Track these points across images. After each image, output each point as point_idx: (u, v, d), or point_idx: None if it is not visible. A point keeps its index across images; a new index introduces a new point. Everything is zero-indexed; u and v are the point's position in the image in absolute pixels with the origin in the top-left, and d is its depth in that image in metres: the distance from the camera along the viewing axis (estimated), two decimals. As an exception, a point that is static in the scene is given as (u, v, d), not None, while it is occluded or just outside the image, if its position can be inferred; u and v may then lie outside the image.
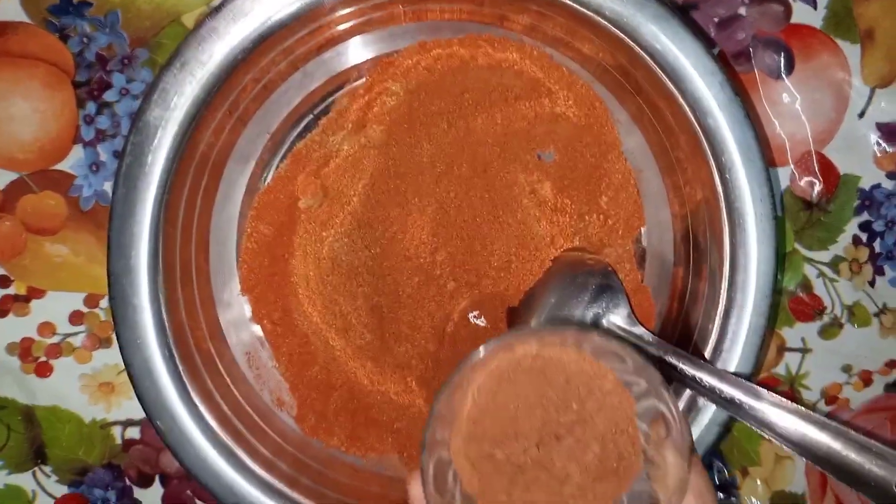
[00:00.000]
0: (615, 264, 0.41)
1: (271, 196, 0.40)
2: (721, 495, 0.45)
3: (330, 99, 0.40)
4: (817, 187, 0.44)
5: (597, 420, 0.26)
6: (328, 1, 0.34)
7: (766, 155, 0.42)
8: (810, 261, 0.45)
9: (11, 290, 0.42)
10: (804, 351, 0.45)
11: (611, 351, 0.26)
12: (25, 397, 0.42)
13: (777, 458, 0.45)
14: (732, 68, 0.43)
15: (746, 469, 0.45)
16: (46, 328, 0.42)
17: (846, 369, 0.45)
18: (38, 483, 0.43)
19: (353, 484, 0.38)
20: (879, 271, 0.45)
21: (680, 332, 0.38)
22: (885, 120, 0.44)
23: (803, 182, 0.44)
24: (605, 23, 0.34)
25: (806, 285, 0.45)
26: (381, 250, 0.40)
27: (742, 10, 0.43)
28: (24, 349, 0.42)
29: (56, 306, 0.42)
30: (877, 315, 0.45)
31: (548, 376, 0.26)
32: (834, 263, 0.45)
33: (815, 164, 0.44)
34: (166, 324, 0.34)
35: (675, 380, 0.33)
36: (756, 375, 0.44)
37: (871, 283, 0.45)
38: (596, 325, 0.37)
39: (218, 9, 0.33)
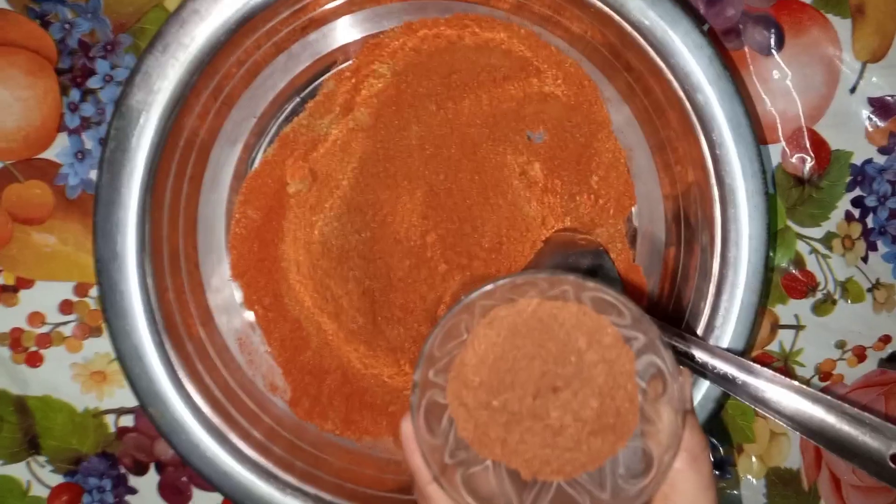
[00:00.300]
0: (606, 244, 0.41)
1: (259, 181, 0.39)
2: (716, 472, 0.46)
3: (316, 82, 0.40)
4: (809, 163, 0.44)
5: (595, 374, 0.26)
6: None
7: (758, 132, 0.41)
8: (803, 237, 0.44)
9: (0, 281, 0.42)
10: (798, 328, 0.45)
11: (609, 302, 0.26)
12: (17, 387, 0.42)
13: (772, 434, 0.45)
14: (722, 45, 0.43)
15: (741, 446, 0.45)
16: (36, 318, 0.42)
17: (840, 345, 0.45)
18: (33, 473, 0.43)
19: (347, 467, 0.38)
20: (872, 247, 0.45)
21: (672, 310, 0.38)
22: (877, 94, 0.44)
23: (795, 159, 0.44)
24: (593, -1, 0.34)
25: (799, 262, 0.45)
26: (372, 234, 0.39)
27: (732, -14, 0.43)
28: (14, 339, 0.42)
29: (45, 296, 0.42)
30: (870, 290, 0.45)
31: (547, 328, 0.26)
32: (826, 240, 0.45)
33: (807, 141, 0.44)
34: (155, 310, 0.34)
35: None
36: (749, 352, 0.44)
37: (864, 259, 0.45)
38: (594, 273, 0.37)
39: (200, -10, 0.32)
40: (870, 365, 0.46)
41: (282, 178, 0.39)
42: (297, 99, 0.40)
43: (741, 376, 0.30)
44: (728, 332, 0.35)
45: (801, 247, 0.45)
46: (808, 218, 0.44)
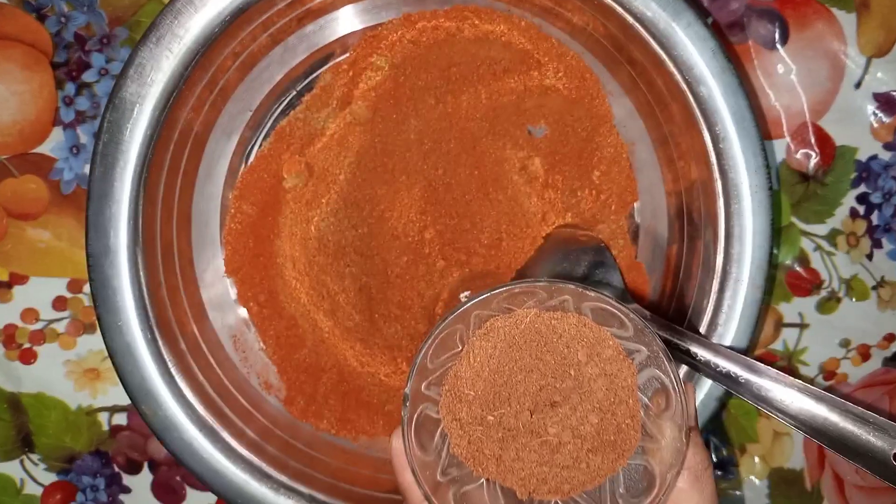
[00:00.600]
0: (608, 240, 0.40)
1: (255, 175, 0.39)
2: (719, 473, 0.45)
3: (313, 74, 0.39)
4: (813, 159, 0.43)
5: (595, 388, 0.25)
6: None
7: (762, 127, 0.41)
8: (807, 234, 0.44)
9: (-7, 277, 0.41)
10: (802, 326, 0.45)
11: (610, 313, 0.25)
12: (11, 385, 0.42)
13: (775, 434, 0.45)
14: (726, 39, 0.42)
15: (744, 446, 0.45)
16: (30, 314, 0.42)
17: (844, 344, 0.45)
18: (26, 471, 0.42)
19: (342, 467, 0.37)
20: (877, 244, 0.44)
21: (675, 308, 0.38)
22: (882, 90, 0.43)
23: (799, 154, 0.43)
24: (594, -11, 0.33)
25: (803, 259, 0.44)
26: (369, 229, 0.39)
27: (735, -21, 0.42)
28: (7, 336, 0.41)
29: (39, 292, 0.41)
30: (875, 288, 0.44)
31: (546, 340, 0.25)
32: (831, 236, 0.44)
33: (812, 136, 0.43)
34: (148, 306, 0.33)
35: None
36: (753, 351, 0.44)
37: (869, 257, 0.44)
38: (596, 282, 0.37)
39: (193, -20, 0.32)
40: (874, 363, 0.45)
41: (278, 172, 0.39)
42: (294, 92, 0.39)
43: (744, 375, 0.29)
44: (731, 329, 0.35)
45: (806, 244, 0.44)
46: (812, 214, 0.44)
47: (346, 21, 0.39)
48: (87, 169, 0.41)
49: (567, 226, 0.40)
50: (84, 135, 0.41)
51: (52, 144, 0.41)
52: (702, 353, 0.30)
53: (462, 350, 0.25)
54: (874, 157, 0.44)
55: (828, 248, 0.44)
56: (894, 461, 0.26)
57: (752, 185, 0.34)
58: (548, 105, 0.39)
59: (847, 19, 0.43)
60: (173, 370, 0.34)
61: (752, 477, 0.45)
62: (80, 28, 0.40)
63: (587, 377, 0.25)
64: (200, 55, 0.33)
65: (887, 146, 0.44)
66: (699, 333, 0.35)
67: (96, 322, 0.41)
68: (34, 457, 0.42)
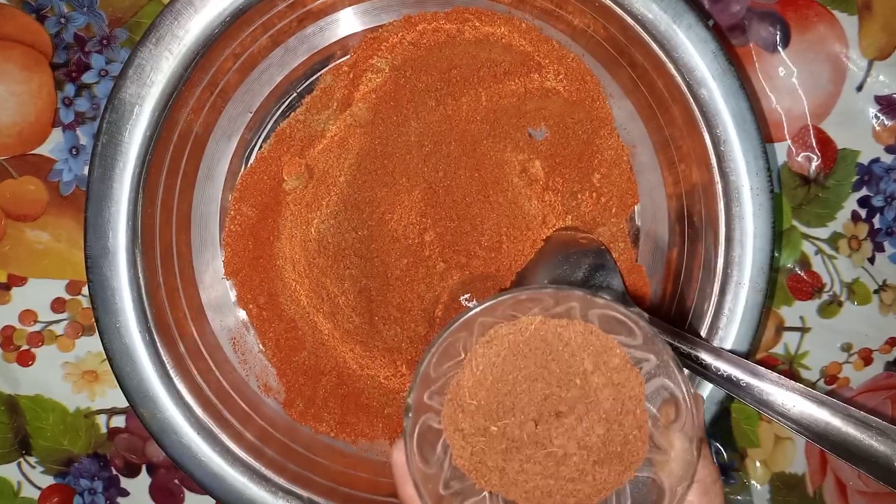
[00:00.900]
0: (608, 243, 0.40)
1: (254, 177, 0.39)
2: (720, 478, 0.45)
3: (314, 76, 0.39)
4: (815, 162, 0.43)
5: (602, 398, 0.24)
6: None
7: (763, 130, 0.41)
8: (808, 238, 0.44)
9: (-8, 278, 0.41)
10: (803, 330, 0.44)
11: (618, 321, 0.24)
12: (8, 387, 0.42)
13: (776, 439, 0.45)
14: (728, 41, 0.42)
15: (745, 451, 0.45)
16: (28, 316, 0.41)
17: (846, 348, 0.45)
18: (24, 474, 0.42)
19: (342, 470, 0.37)
20: (879, 248, 0.44)
21: (675, 311, 0.38)
22: (884, 92, 0.43)
23: (801, 157, 0.43)
24: (595, -9, 0.33)
25: (804, 263, 0.44)
26: (369, 232, 0.39)
27: (736, -18, 0.42)
28: (5, 338, 0.41)
29: (37, 293, 0.41)
30: (877, 292, 0.44)
31: (551, 348, 0.24)
32: (833, 240, 0.44)
33: (813, 139, 0.43)
34: (147, 308, 0.33)
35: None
36: (754, 354, 0.43)
37: (871, 260, 0.44)
38: (603, 288, 0.36)
39: (194, -19, 0.32)
40: (876, 368, 0.45)
41: (278, 174, 0.39)
42: (294, 94, 0.39)
43: (746, 378, 0.29)
44: (732, 333, 0.34)
45: (807, 247, 0.44)
46: (813, 218, 0.44)
47: (346, 23, 0.39)
48: (86, 170, 0.41)
49: (567, 228, 0.40)
50: (83, 136, 0.41)
51: (52, 145, 0.41)
52: (703, 356, 0.30)
53: (464, 358, 0.25)
54: (876, 161, 0.43)
55: (829, 251, 0.44)
56: (897, 466, 0.26)
57: (754, 188, 0.34)
58: (548, 107, 0.39)
59: (849, 22, 0.42)
60: (172, 372, 0.33)
61: (754, 482, 0.45)
62: (80, 29, 0.40)
63: (593, 386, 0.24)
64: (200, 56, 0.33)
65: (889, 149, 0.44)
66: (700, 337, 0.35)
67: (95, 324, 0.41)
68: (31, 459, 0.42)
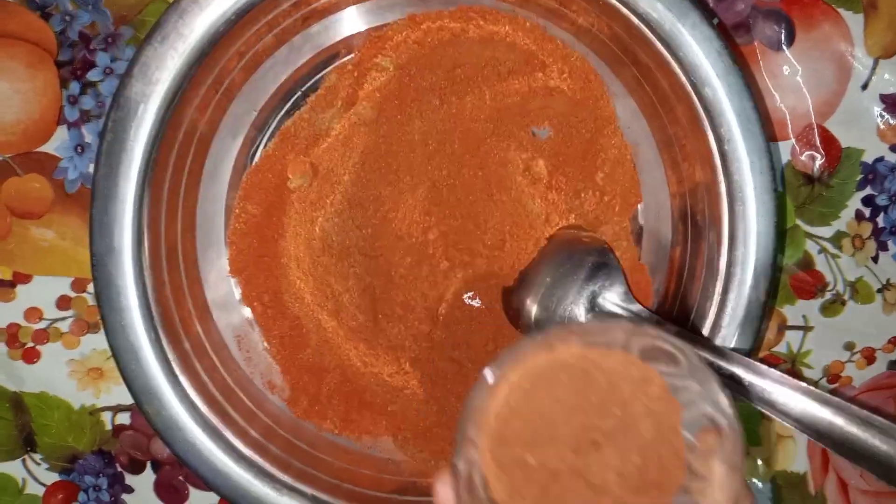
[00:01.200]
0: (611, 242, 0.40)
1: (259, 176, 0.39)
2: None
3: (318, 75, 0.39)
4: (819, 161, 0.43)
5: (640, 428, 0.24)
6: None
7: (767, 128, 0.41)
8: (812, 236, 0.44)
9: (-3, 276, 0.41)
10: (806, 329, 0.44)
11: (663, 350, 0.24)
12: (13, 384, 0.42)
13: (778, 437, 0.45)
14: (732, 40, 0.42)
15: (747, 449, 0.45)
16: (33, 313, 0.42)
17: (849, 347, 0.45)
18: (28, 471, 0.42)
19: (345, 467, 0.37)
20: (883, 247, 0.44)
21: (678, 310, 0.38)
22: (889, 91, 0.43)
23: (805, 156, 0.43)
24: (600, -10, 0.33)
25: (807, 262, 0.44)
26: (373, 230, 0.39)
27: (741, -20, 0.42)
28: (10, 335, 0.41)
29: (43, 291, 0.41)
30: (880, 291, 0.44)
31: (590, 378, 0.24)
32: (836, 239, 0.44)
33: (817, 138, 0.43)
34: (152, 306, 0.33)
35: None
36: (756, 353, 0.43)
37: (874, 259, 0.44)
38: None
39: (199, -20, 0.32)
40: (879, 367, 0.45)
41: (282, 172, 0.39)
42: (299, 92, 0.39)
43: (748, 377, 0.29)
44: (734, 332, 0.34)
45: (810, 246, 0.44)
46: (817, 217, 0.44)
47: (350, 22, 0.39)
48: (91, 168, 0.41)
49: (570, 227, 0.40)
50: (89, 134, 0.41)
51: (57, 143, 0.41)
52: (705, 355, 0.30)
53: (499, 387, 0.24)
54: (880, 159, 0.43)
55: (833, 250, 0.44)
56: (899, 465, 0.26)
57: (757, 187, 0.34)
58: (552, 106, 0.39)
59: (854, 20, 0.42)
60: (177, 370, 0.34)
61: (755, 480, 0.45)
62: (85, 26, 0.40)
63: (631, 416, 0.24)
64: (205, 55, 0.33)
65: (894, 148, 0.43)
66: (702, 336, 0.35)
67: (100, 321, 0.41)
68: (36, 456, 0.42)
